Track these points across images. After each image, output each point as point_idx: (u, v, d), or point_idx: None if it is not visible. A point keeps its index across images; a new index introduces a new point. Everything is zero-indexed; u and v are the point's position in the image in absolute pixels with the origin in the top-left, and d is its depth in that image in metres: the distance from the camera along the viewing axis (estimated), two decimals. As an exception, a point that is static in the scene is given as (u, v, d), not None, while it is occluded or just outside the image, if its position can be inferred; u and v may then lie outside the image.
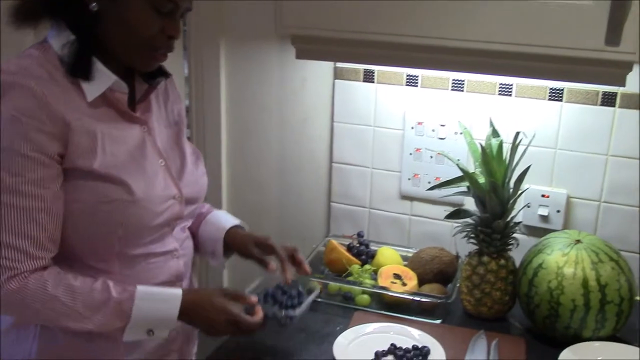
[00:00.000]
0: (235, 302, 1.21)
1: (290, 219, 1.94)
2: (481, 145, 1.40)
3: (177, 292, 1.17)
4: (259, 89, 1.86)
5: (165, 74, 1.24)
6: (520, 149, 1.43)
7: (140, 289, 1.14)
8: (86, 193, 1.10)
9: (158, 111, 1.26)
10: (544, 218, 1.63)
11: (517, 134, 1.43)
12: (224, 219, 1.43)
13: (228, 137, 1.91)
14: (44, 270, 1.09)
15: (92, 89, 1.11)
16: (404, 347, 1.32)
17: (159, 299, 1.15)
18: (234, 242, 1.39)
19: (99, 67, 1.11)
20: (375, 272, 1.59)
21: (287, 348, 1.36)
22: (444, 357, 1.30)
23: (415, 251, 1.66)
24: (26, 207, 1.06)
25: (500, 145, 1.42)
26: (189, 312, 1.16)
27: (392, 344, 1.33)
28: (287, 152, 1.89)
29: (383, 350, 1.32)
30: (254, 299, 1.24)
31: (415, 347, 1.32)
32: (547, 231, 1.56)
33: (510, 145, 1.42)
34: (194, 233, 1.38)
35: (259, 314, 1.22)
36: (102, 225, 1.12)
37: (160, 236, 1.21)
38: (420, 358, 1.30)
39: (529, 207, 1.62)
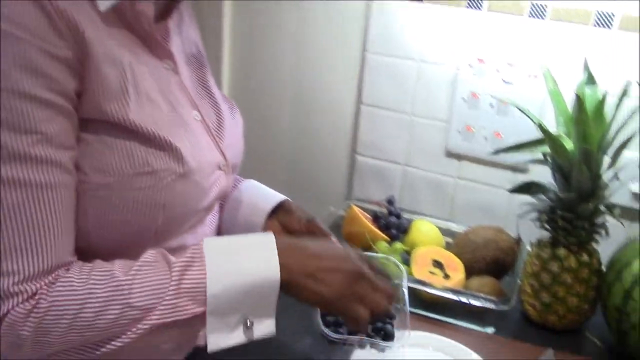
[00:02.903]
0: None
1: (303, 172, 1.57)
2: (577, 96, 0.98)
3: (266, 233, 0.77)
4: (271, 9, 1.45)
5: None
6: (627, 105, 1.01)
7: (208, 240, 0.75)
8: (117, 159, 0.72)
9: (177, 41, 0.88)
10: None
11: (628, 83, 1.02)
12: (262, 195, 1.02)
13: (230, 66, 1.52)
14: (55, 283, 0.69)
15: None
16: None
17: (244, 245, 0.75)
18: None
19: None
20: (408, 252, 1.23)
21: None
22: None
23: (461, 227, 1.29)
24: (36, 195, 0.66)
25: (602, 99, 1.00)
26: (288, 259, 0.74)
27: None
28: (303, 88, 1.51)
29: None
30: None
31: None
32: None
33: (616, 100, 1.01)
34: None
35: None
36: (138, 210, 0.75)
37: (200, 222, 0.88)
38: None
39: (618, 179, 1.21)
